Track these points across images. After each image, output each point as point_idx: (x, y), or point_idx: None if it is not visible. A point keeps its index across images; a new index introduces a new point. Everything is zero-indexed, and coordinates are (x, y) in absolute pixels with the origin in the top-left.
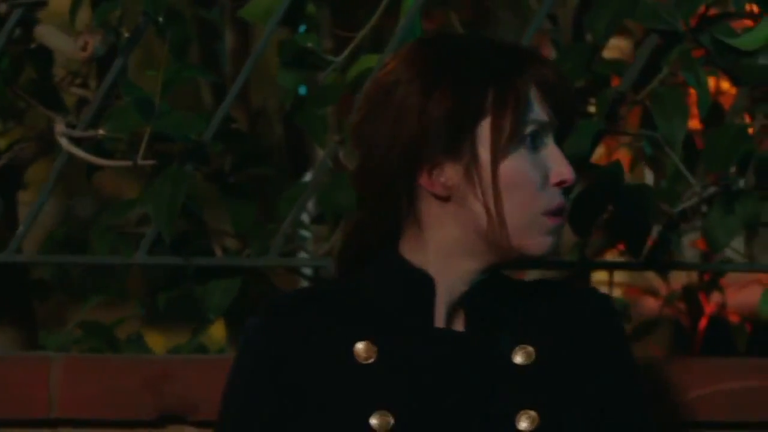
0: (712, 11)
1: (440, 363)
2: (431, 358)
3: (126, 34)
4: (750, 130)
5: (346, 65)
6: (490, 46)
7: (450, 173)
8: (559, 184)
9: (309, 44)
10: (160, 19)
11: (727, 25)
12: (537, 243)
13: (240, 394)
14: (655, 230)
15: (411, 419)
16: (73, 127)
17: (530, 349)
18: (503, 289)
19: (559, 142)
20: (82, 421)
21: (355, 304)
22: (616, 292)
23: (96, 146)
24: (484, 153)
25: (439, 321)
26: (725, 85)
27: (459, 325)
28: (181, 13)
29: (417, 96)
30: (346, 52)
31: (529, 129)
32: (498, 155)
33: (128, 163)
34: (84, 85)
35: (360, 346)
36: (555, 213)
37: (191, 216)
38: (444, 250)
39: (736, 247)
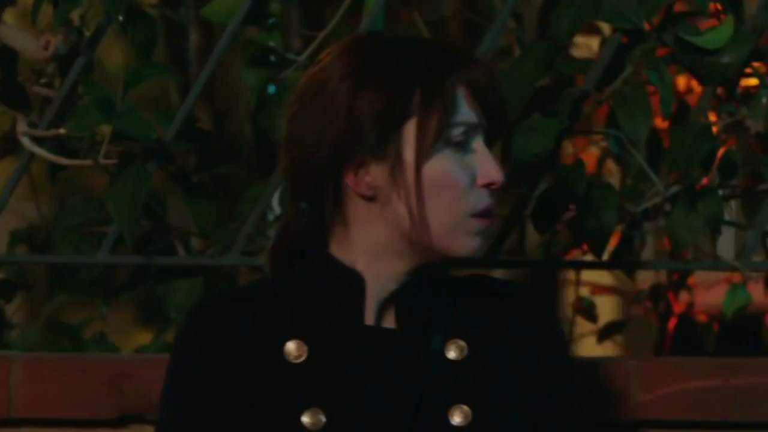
0: (677, 9)
1: (371, 360)
2: (362, 355)
3: (88, 33)
4: (714, 129)
5: (309, 64)
6: (422, 46)
7: (375, 173)
8: (487, 185)
9: (271, 43)
10: (120, 18)
11: (691, 24)
12: (462, 244)
13: (174, 394)
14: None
15: (343, 416)
16: (36, 126)
17: (462, 344)
18: (435, 286)
19: (491, 144)
20: (42, 421)
21: (286, 303)
22: (583, 291)
23: (61, 146)
24: (409, 154)
25: (370, 319)
26: (696, 83)
27: (390, 323)
28: (145, 12)
29: (345, 94)
30: (308, 51)
31: (456, 130)
32: (422, 156)
33: (89, 162)
34: (49, 85)
35: (290, 345)
36: (482, 215)
37: (155, 215)
38: (371, 250)
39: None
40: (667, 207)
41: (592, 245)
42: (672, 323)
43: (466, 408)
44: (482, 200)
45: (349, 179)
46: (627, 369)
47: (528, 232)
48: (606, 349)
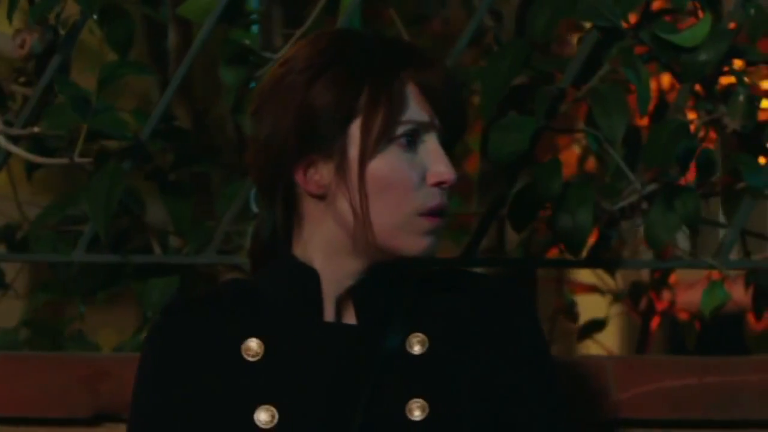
0: (655, 7)
1: (329, 356)
2: (320, 352)
3: (63, 32)
4: (692, 127)
5: None
6: (376, 44)
7: (324, 172)
8: (438, 184)
9: (247, 41)
10: (95, 16)
11: (668, 22)
12: (411, 244)
13: (141, 393)
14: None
15: (296, 414)
16: (12, 125)
17: (424, 338)
18: (398, 281)
19: (451, 144)
20: (17, 419)
21: (250, 302)
22: (564, 290)
23: (39, 144)
24: (355, 152)
25: (329, 315)
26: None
27: (350, 319)
28: (123, 10)
29: (300, 88)
30: (284, 49)
31: (403, 128)
32: (366, 154)
33: (65, 160)
34: (29, 83)
35: (249, 343)
36: (432, 213)
37: (132, 214)
38: (326, 248)
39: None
40: (645, 205)
41: (568, 244)
42: (655, 322)
43: (423, 402)
44: (432, 199)
45: (299, 177)
46: (603, 368)
47: (508, 230)
48: (589, 348)
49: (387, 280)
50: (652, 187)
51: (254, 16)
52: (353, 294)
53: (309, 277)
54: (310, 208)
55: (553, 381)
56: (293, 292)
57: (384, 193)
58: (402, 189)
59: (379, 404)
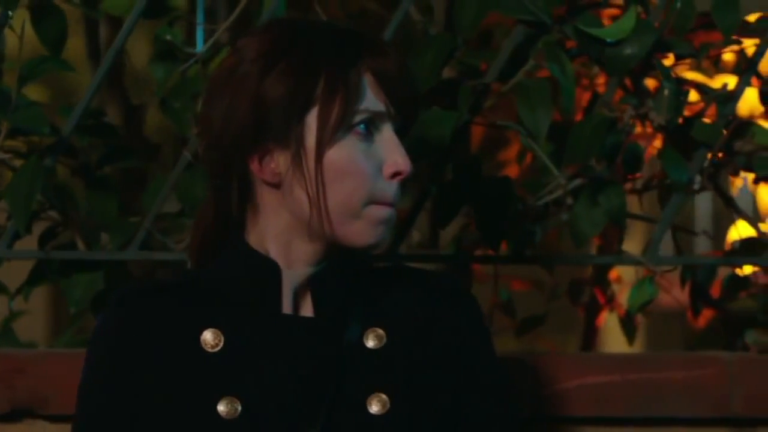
0: (584, 1)
1: (288, 348)
2: (279, 343)
3: None
4: (620, 120)
5: (209, 58)
6: (330, 33)
7: (279, 161)
8: (394, 175)
9: (168, 37)
10: (10, 13)
11: (592, 16)
12: (363, 234)
13: (91, 388)
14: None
15: (258, 405)
16: None
17: (381, 332)
18: (353, 275)
19: (403, 133)
20: None
21: (204, 293)
22: (501, 285)
23: None
24: (311, 141)
25: (287, 307)
26: None
27: (308, 311)
28: (56, 7)
29: (253, 79)
30: (206, 45)
31: (359, 118)
32: (323, 143)
33: None
34: None
35: (207, 334)
36: (386, 204)
37: (59, 209)
38: (281, 238)
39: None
40: (570, 200)
41: (488, 239)
42: (602, 319)
43: (384, 396)
44: (386, 190)
45: (254, 166)
46: (523, 364)
47: None
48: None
49: (343, 274)
50: (576, 182)
51: (177, 12)
52: (311, 286)
53: (268, 268)
54: (266, 197)
55: (499, 373)
56: (251, 283)
57: (340, 183)
58: (358, 179)
59: (340, 398)
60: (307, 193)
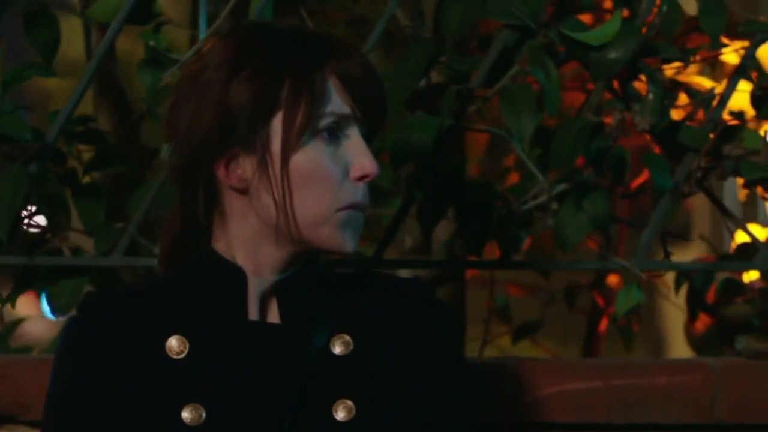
0: (568, 6)
1: (253, 355)
2: (244, 350)
3: None
4: (607, 124)
5: None
6: (295, 37)
7: (245, 166)
8: (361, 178)
9: (151, 42)
10: None
11: (577, 20)
12: (333, 238)
13: (58, 395)
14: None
15: (223, 412)
16: None
17: (347, 338)
18: (320, 281)
19: (371, 137)
20: None
21: (171, 300)
22: (498, 290)
23: None
24: (277, 146)
25: (253, 313)
26: None
27: (275, 318)
28: (49, 13)
29: (218, 84)
30: (191, 52)
31: (325, 121)
32: (289, 147)
33: None
34: None
35: (172, 340)
36: (354, 207)
37: (47, 215)
38: (248, 243)
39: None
40: (555, 206)
41: (470, 244)
42: (604, 324)
43: (350, 403)
44: (354, 193)
45: (221, 172)
46: (505, 370)
47: (436, 231)
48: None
49: (310, 280)
50: (561, 187)
51: (162, 18)
52: (277, 293)
53: (234, 275)
54: (233, 202)
55: (466, 383)
56: (217, 289)
57: (307, 187)
58: (325, 183)
59: (306, 405)
60: (274, 199)
